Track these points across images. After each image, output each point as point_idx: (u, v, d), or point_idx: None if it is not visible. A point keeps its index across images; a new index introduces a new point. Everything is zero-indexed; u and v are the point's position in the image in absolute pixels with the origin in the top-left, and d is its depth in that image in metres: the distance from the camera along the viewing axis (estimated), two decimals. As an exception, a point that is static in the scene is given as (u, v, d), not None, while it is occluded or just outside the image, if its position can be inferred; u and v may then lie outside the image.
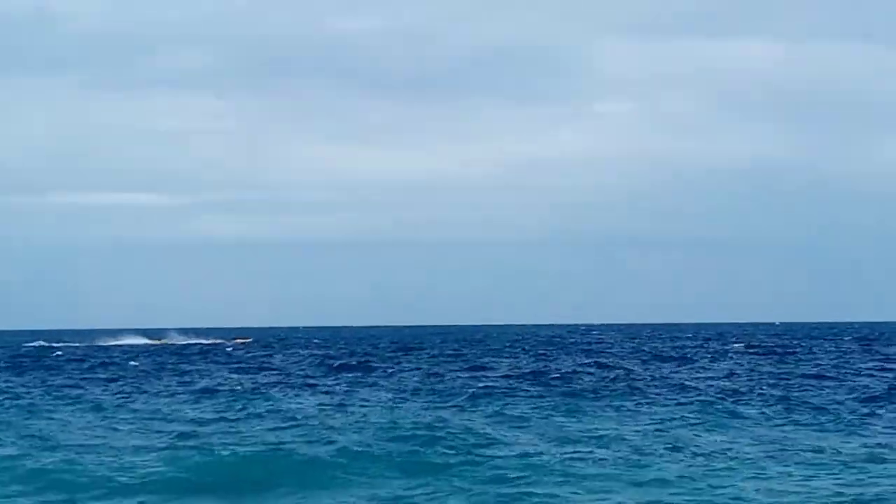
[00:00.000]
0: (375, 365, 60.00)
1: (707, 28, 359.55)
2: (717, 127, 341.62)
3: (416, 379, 47.75)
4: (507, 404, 34.33)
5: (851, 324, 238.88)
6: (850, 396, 36.74)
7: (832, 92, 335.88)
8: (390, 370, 54.94)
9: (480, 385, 42.37)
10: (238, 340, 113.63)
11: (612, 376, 47.32)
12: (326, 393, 40.53)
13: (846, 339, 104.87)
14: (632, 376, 47.56)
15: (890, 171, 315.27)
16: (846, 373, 48.97)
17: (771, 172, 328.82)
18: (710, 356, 68.68)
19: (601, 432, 26.75)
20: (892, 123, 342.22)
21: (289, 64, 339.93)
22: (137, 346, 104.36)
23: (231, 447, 23.85)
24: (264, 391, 40.56)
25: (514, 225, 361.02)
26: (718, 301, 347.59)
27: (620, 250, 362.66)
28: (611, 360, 63.71)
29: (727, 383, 43.30)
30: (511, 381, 44.72)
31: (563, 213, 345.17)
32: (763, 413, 31.74)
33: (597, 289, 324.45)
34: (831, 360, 61.31)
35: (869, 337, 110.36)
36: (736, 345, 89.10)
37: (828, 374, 47.72)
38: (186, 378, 50.39)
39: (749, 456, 23.16)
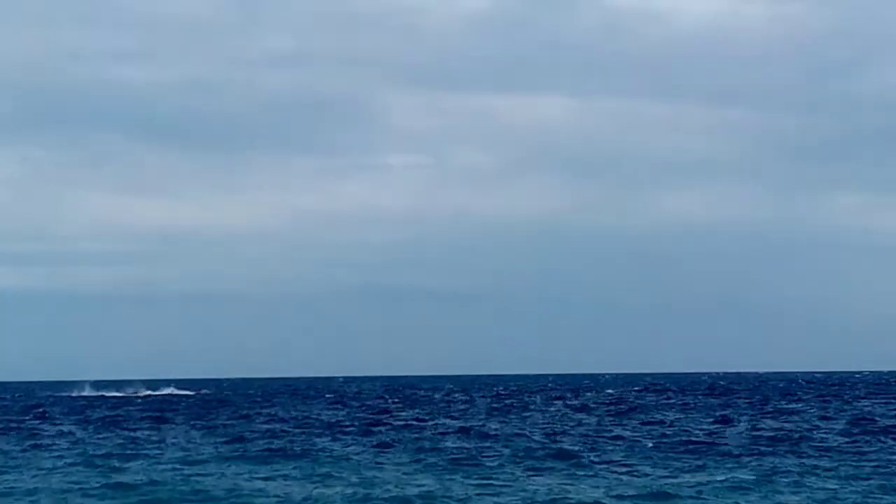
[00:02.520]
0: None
1: (497, 83, 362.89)
2: (507, 181, 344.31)
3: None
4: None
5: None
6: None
7: (616, 147, 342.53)
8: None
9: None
10: None
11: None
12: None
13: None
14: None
15: (666, 226, 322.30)
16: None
17: (559, 225, 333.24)
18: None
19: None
20: (671, 178, 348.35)
21: (71, 113, 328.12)
22: None
23: None
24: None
25: (297, 278, 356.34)
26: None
27: (409, 302, 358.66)
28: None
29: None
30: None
31: (348, 265, 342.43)
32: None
33: (370, 340, 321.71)
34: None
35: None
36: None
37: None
38: None
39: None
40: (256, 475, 32.62)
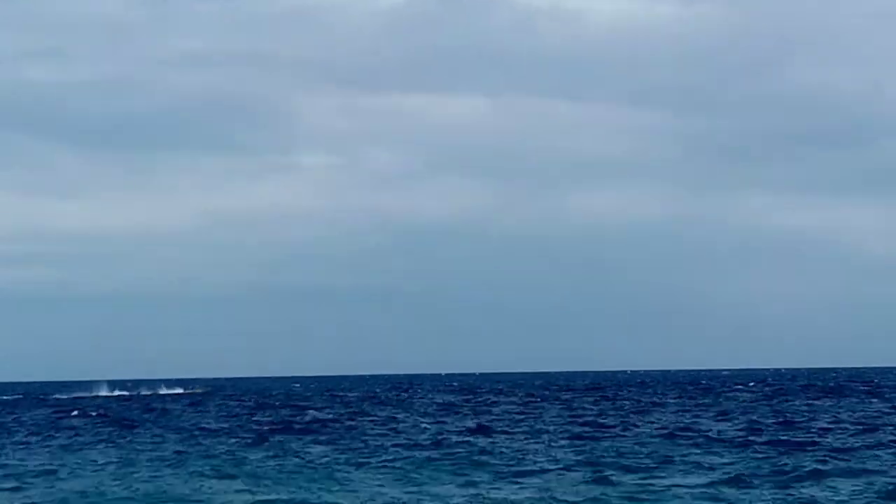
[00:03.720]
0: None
1: (411, 83, 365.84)
2: (420, 181, 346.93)
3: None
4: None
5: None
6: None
7: (530, 148, 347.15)
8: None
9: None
10: None
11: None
12: None
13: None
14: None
15: (578, 227, 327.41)
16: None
17: (471, 226, 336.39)
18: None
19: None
20: (583, 179, 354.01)
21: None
22: None
23: None
24: None
25: (210, 280, 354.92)
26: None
27: (321, 304, 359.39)
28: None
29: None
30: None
31: (260, 265, 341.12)
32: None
33: (296, 342, 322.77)
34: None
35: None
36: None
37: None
38: None
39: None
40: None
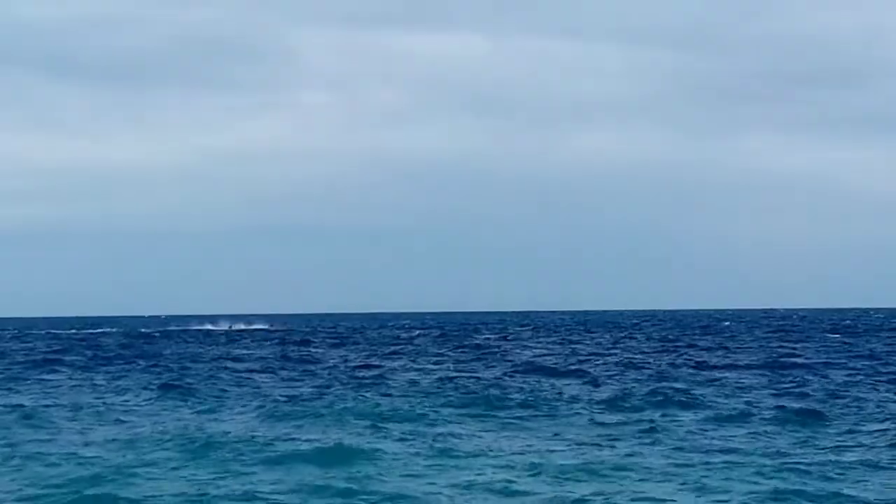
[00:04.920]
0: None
1: (409, 21, 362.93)
2: (421, 120, 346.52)
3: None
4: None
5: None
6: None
7: (529, 87, 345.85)
8: None
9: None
10: None
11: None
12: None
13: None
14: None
15: (577, 167, 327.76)
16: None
17: (469, 165, 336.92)
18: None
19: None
20: (582, 119, 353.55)
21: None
22: None
23: None
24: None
25: (208, 215, 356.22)
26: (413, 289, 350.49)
27: (319, 241, 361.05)
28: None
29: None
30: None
31: (259, 203, 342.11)
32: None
33: (297, 278, 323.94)
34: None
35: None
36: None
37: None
38: None
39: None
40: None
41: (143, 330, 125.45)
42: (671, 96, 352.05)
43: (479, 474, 20.33)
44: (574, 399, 33.82)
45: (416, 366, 51.35)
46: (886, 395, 34.84)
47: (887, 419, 28.37)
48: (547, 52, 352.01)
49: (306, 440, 24.32)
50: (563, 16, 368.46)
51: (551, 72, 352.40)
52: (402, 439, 24.66)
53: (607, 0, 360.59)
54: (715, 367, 48.04)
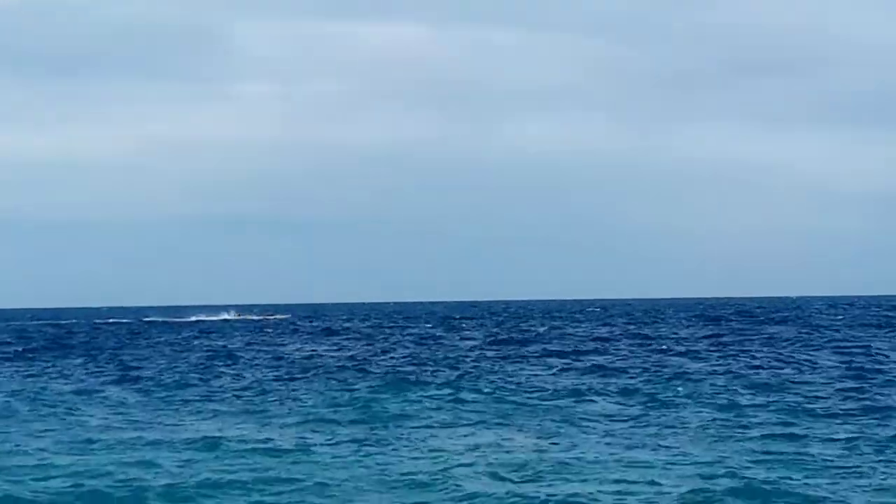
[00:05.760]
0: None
1: (351, 10, 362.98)
2: (362, 109, 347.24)
3: None
4: None
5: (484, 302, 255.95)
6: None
7: (470, 76, 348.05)
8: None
9: None
10: None
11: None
12: None
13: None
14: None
15: (518, 156, 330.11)
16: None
17: (410, 155, 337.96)
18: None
19: None
20: (525, 108, 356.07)
21: None
22: None
23: None
24: None
25: (148, 205, 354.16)
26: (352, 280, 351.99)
27: (260, 231, 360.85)
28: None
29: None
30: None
31: (199, 194, 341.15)
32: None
33: (227, 269, 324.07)
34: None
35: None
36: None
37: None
38: None
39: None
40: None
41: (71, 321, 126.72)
42: (616, 85, 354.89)
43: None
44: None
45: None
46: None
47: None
48: (490, 41, 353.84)
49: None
50: (507, 5, 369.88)
51: (495, 61, 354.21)
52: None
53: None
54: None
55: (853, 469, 20.60)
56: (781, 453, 22.06)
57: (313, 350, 57.26)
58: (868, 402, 29.93)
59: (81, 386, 38.61)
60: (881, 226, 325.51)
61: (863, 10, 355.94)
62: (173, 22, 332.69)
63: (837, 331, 68.64)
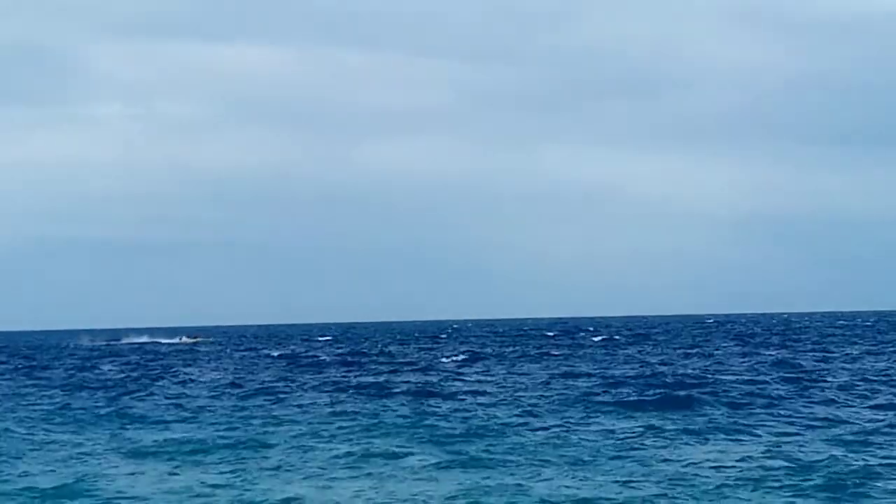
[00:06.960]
0: None
1: (205, 31, 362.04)
2: (219, 131, 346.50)
3: None
4: None
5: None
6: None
7: (324, 98, 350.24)
8: None
9: None
10: None
11: None
12: None
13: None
14: None
15: (371, 177, 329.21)
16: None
17: (266, 177, 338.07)
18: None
19: None
20: (377, 130, 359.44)
21: None
22: None
23: None
24: None
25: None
26: (219, 302, 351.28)
27: (111, 254, 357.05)
28: None
29: None
30: None
31: (46, 217, 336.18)
32: None
33: (80, 294, 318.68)
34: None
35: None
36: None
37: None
38: None
39: None
40: None
41: None
42: (467, 107, 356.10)
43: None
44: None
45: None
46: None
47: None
48: (344, 63, 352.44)
49: None
50: (360, 28, 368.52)
51: (348, 83, 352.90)
52: None
53: (405, 14, 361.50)
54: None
55: None
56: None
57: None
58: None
59: None
60: (724, 246, 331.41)
61: (712, 35, 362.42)
62: (25, 42, 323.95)
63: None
